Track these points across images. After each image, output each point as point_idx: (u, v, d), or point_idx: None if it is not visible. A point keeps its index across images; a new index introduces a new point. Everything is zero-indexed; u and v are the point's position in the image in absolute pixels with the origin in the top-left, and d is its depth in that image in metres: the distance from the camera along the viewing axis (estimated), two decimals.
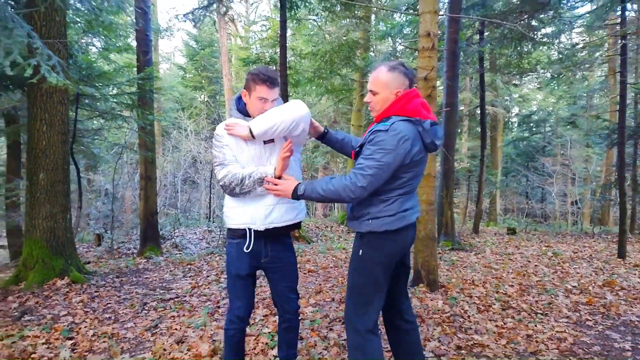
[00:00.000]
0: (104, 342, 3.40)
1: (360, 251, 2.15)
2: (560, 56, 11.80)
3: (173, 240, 10.93)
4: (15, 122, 8.53)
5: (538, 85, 25.46)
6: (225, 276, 2.63)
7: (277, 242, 2.35)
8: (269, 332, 3.49)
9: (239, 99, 2.33)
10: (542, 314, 4.12)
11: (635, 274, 5.95)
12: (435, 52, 4.69)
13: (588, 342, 3.43)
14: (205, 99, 27.22)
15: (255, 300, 4.42)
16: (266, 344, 3.27)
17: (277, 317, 3.83)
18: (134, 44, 9.05)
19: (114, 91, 7.99)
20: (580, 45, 11.17)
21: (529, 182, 22.21)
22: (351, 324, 2.17)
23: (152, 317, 4.03)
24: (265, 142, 2.24)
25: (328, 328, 3.65)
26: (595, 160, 19.94)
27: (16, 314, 4.14)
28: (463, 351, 3.18)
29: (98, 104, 8.32)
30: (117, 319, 4.01)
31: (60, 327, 3.72)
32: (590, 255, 7.72)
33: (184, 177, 18.15)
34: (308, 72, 9.76)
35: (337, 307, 4.24)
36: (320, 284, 5.24)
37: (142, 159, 9.07)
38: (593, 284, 5.32)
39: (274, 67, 10.05)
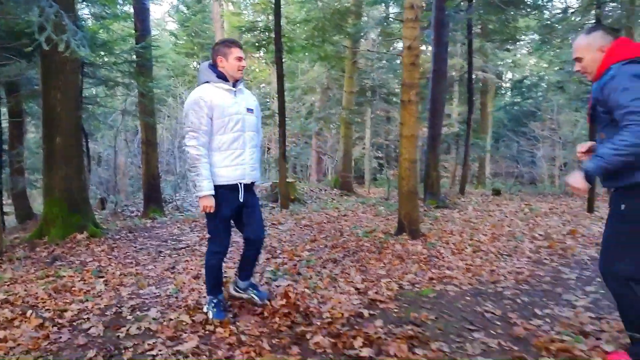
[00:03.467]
0: (131, 278, 3.99)
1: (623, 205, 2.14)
2: (548, 22, 12.15)
3: (174, 203, 11.49)
4: (17, 91, 8.89)
5: (530, 50, 25.69)
6: None
7: (251, 191, 3.00)
8: (271, 270, 4.09)
9: (213, 66, 2.83)
10: (507, 255, 4.75)
11: (597, 225, 6.60)
12: (418, 22, 5.13)
13: (541, 274, 4.06)
14: (199, 66, 27.26)
15: (264, 246, 5.04)
16: (270, 278, 3.87)
17: (276, 259, 4.44)
18: (131, 11, 9.31)
19: (115, 60, 8.34)
20: (559, 13, 11.46)
21: (519, 146, 22.84)
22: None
23: (168, 261, 4.63)
24: (247, 110, 2.87)
25: (322, 266, 4.26)
26: (581, 124, 20.48)
27: (48, 260, 4.72)
28: (434, 281, 3.80)
29: (100, 72, 8.69)
30: (138, 263, 4.60)
31: (90, 269, 4.32)
32: (563, 210, 8.39)
33: (181, 144, 18.55)
34: (301, 39, 10.09)
35: (329, 251, 4.85)
36: (314, 235, 5.85)
37: (143, 124, 9.50)
38: (558, 233, 5.97)
39: (268, 34, 10.35)
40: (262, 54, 15.17)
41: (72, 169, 5.99)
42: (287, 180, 10.20)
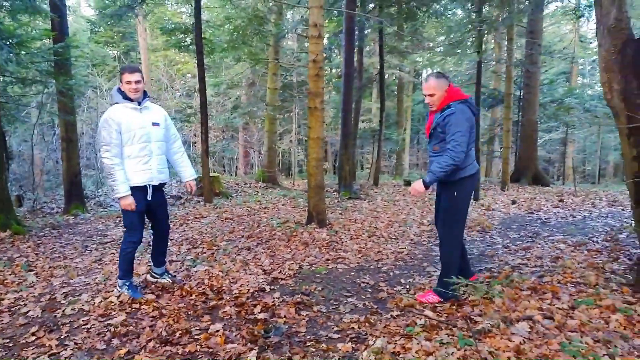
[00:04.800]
0: (61, 270, 4.41)
1: (455, 192, 3.23)
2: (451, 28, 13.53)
3: (97, 199, 11.50)
4: None
5: (440, 51, 27.67)
6: None
7: (159, 190, 3.63)
8: (191, 259, 4.69)
9: (119, 90, 3.41)
10: (395, 239, 5.70)
11: (477, 211, 7.83)
12: (321, 39, 5.88)
13: (416, 252, 5.02)
14: (119, 56, 26.38)
15: (180, 239, 5.58)
16: (189, 264, 4.47)
17: (196, 249, 5.03)
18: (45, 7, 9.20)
19: (32, 59, 8.28)
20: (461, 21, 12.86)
21: None
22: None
23: (95, 254, 5.05)
24: (153, 124, 3.46)
25: (236, 253, 4.93)
26: (488, 119, 22.62)
27: None
28: (329, 261, 4.61)
29: (15, 69, 8.57)
30: (66, 257, 4.98)
31: (19, 263, 4.65)
32: None
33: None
34: (222, 41, 10.51)
35: (245, 241, 5.51)
36: (234, 227, 6.48)
37: (63, 122, 9.49)
38: None
39: (192, 36, 10.64)
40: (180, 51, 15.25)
41: None
42: (212, 174, 10.67)
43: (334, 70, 21.06)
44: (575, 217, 7.04)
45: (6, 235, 5.88)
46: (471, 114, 3.12)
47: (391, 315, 3.11)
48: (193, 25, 8.39)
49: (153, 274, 3.86)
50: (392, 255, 4.88)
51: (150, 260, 3.88)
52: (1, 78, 8.31)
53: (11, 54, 4.27)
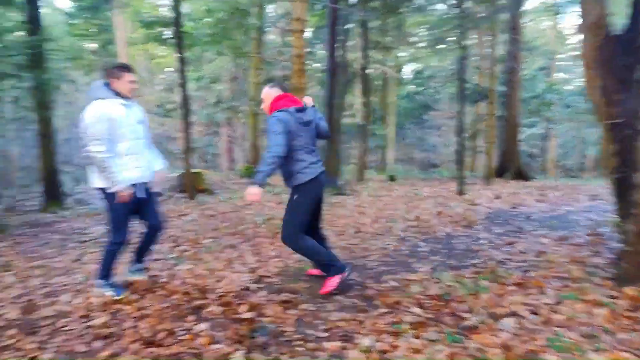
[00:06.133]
0: (39, 270, 4.28)
1: (295, 195, 3.49)
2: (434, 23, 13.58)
3: (75, 196, 11.26)
4: None
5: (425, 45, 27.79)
6: None
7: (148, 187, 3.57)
8: (174, 257, 4.60)
9: (107, 85, 3.31)
10: (380, 235, 5.68)
11: (462, 206, 7.88)
12: (303, 33, 5.82)
13: (402, 248, 5.01)
14: (96, 49, 25.78)
15: (168, 236, 5.50)
16: (172, 264, 4.39)
17: (179, 247, 4.94)
18: None
19: (6, 52, 8.04)
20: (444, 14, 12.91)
21: (420, 134, 24.89)
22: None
23: (75, 253, 4.92)
24: (137, 122, 3.39)
25: (220, 251, 4.85)
26: (472, 115, 22.85)
27: None
28: None
29: None
30: (44, 257, 4.84)
31: None
32: (440, 194, 9.72)
33: (79, 134, 17.73)
34: (203, 35, 10.34)
35: (229, 238, 5.44)
36: (217, 224, 6.39)
37: (39, 117, 9.26)
38: (428, 214, 7.09)
39: (171, 29, 10.44)
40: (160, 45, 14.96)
41: None
42: (195, 171, 10.52)
43: (317, 65, 20.98)
44: (557, 211, 7.14)
45: None
46: (287, 119, 3.32)
47: (378, 313, 3.09)
48: (173, 18, 8.24)
49: (130, 269, 3.77)
50: (378, 252, 4.87)
51: (132, 255, 3.77)
52: None
53: None
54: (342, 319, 2.99)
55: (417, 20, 17.22)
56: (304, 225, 3.55)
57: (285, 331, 2.84)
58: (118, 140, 3.25)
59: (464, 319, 2.90)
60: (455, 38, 14.57)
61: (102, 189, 3.31)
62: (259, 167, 3.28)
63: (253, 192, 3.26)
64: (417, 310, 3.08)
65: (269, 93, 3.49)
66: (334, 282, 3.45)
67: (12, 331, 2.86)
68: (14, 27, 8.31)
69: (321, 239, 3.84)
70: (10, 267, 4.45)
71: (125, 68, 3.31)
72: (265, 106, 3.51)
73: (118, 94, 3.29)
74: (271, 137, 3.26)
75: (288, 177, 3.50)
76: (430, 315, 3.00)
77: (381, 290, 3.60)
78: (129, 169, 3.32)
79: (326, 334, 2.79)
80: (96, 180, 3.31)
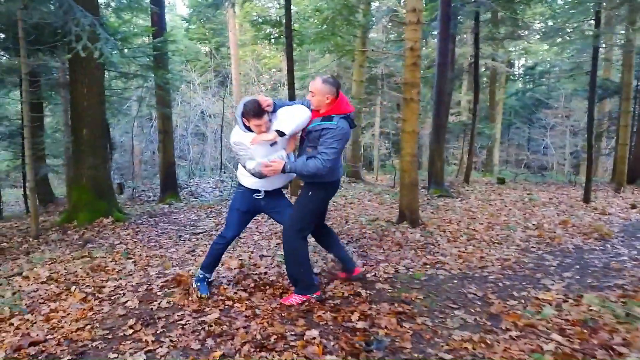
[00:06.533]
0: (156, 260, 4.48)
1: (310, 192, 3.28)
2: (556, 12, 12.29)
3: (189, 188, 12.00)
4: (37, 80, 9.34)
5: (541, 37, 25.56)
6: None
7: (272, 196, 3.44)
8: (281, 254, 4.55)
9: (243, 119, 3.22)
10: (498, 243, 5.16)
11: (590, 215, 6.96)
12: (420, 25, 5.46)
13: (526, 261, 4.47)
14: (211, 52, 27.56)
15: (269, 232, 5.49)
16: (280, 261, 4.33)
17: None
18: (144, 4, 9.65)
19: (133, 53, 8.73)
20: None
21: (529, 134, 22.94)
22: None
23: (188, 245, 5.11)
24: (270, 145, 3.21)
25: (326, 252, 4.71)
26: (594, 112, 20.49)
27: (80, 242, 5.23)
28: (427, 266, 4.23)
29: (120, 65, 9.10)
30: (162, 246, 5.09)
31: (119, 251, 4.81)
32: (561, 201, 8.73)
33: (194, 130, 19.02)
34: (311, 33, 10.39)
35: None
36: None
37: (160, 114, 9.95)
38: (550, 223, 6.34)
39: (279, 29, 10.65)
40: (271, 43, 15.41)
41: (98, 159, 6.48)
42: None
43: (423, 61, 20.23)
44: None
45: (108, 222, 6.19)
46: (349, 129, 3.13)
47: (510, 336, 2.69)
48: (283, 16, 8.32)
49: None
50: (498, 263, 4.38)
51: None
52: (107, 73, 8.81)
53: (116, 50, 4.39)
54: (466, 339, 2.65)
55: (533, 10, 15.81)
56: (311, 227, 3.42)
57: (404, 347, 2.57)
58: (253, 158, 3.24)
59: (622, 354, 2.40)
60: (576, 27, 13.10)
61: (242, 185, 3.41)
62: (299, 164, 3.08)
63: (277, 167, 3.07)
64: (558, 337, 2.63)
65: (325, 90, 3.10)
66: (298, 299, 3.25)
67: (131, 321, 2.94)
68: (141, 30, 9.01)
69: (327, 234, 3.71)
70: (131, 254, 4.73)
71: (253, 114, 3.07)
72: (317, 102, 3.13)
73: (250, 130, 3.19)
74: (329, 146, 3.02)
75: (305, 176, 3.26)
76: (576, 346, 2.53)
77: (508, 308, 3.18)
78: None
79: (450, 356, 2.48)
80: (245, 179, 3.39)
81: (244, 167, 3.26)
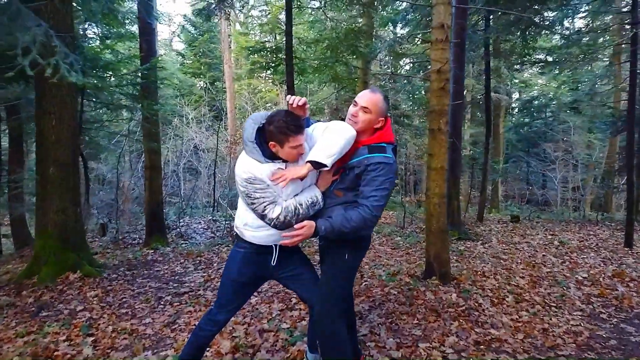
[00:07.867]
0: (125, 338, 3.42)
1: (347, 255, 2.38)
2: (563, 42, 11.71)
3: (178, 230, 10.95)
4: (17, 113, 8.45)
5: (540, 70, 25.30)
6: None
7: (283, 251, 2.42)
8: (287, 328, 3.51)
9: (261, 141, 2.20)
10: (555, 307, 4.15)
11: None
12: (448, 43, 4.64)
13: (604, 335, 3.47)
14: (206, 86, 27.01)
15: (270, 294, 4.45)
16: (285, 339, 3.30)
17: (293, 311, 3.85)
18: (136, 31, 8.93)
19: (118, 82, 7.91)
20: (584, 30, 11.05)
21: (530, 168, 22.19)
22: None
23: (169, 312, 4.06)
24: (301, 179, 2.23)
25: None
26: (598, 147, 19.90)
27: (33, 309, 4.17)
28: (482, 346, 3.21)
29: (103, 94, 8.25)
30: (135, 314, 4.03)
31: (79, 322, 3.75)
32: (597, 244, 7.76)
33: (186, 165, 18.07)
34: (312, 60, 9.67)
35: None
36: None
37: (147, 149, 9.02)
38: (603, 275, 5.36)
39: (277, 55, 9.93)
40: (269, 72, 14.69)
41: (67, 202, 5.47)
42: None
43: None
44: None
45: (75, 278, 5.12)
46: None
47: None
48: (283, 42, 7.58)
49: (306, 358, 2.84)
50: (569, 339, 3.38)
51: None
52: (86, 102, 7.96)
53: (77, 62, 3.50)
54: None
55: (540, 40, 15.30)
56: (346, 300, 2.62)
57: None
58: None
59: None
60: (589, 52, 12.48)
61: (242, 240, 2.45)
62: (343, 220, 2.17)
63: (308, 231, 2.14)
64: None
65: (384, 110, 2.30)
66: None
67: None
68: (128, 57, 8.22)
69: (351, 323, 2.75)
70: (93, 328, 3.67)
71: (295, 128, 2.14)
72: (367, 123, 2.27)
73: (275, 157, 2.25)
74: (380, 187, 2.18)
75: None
76: None
77: None
78: (262, 227, 2.35)
79: None
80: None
81: (261, 216, 2.20)
